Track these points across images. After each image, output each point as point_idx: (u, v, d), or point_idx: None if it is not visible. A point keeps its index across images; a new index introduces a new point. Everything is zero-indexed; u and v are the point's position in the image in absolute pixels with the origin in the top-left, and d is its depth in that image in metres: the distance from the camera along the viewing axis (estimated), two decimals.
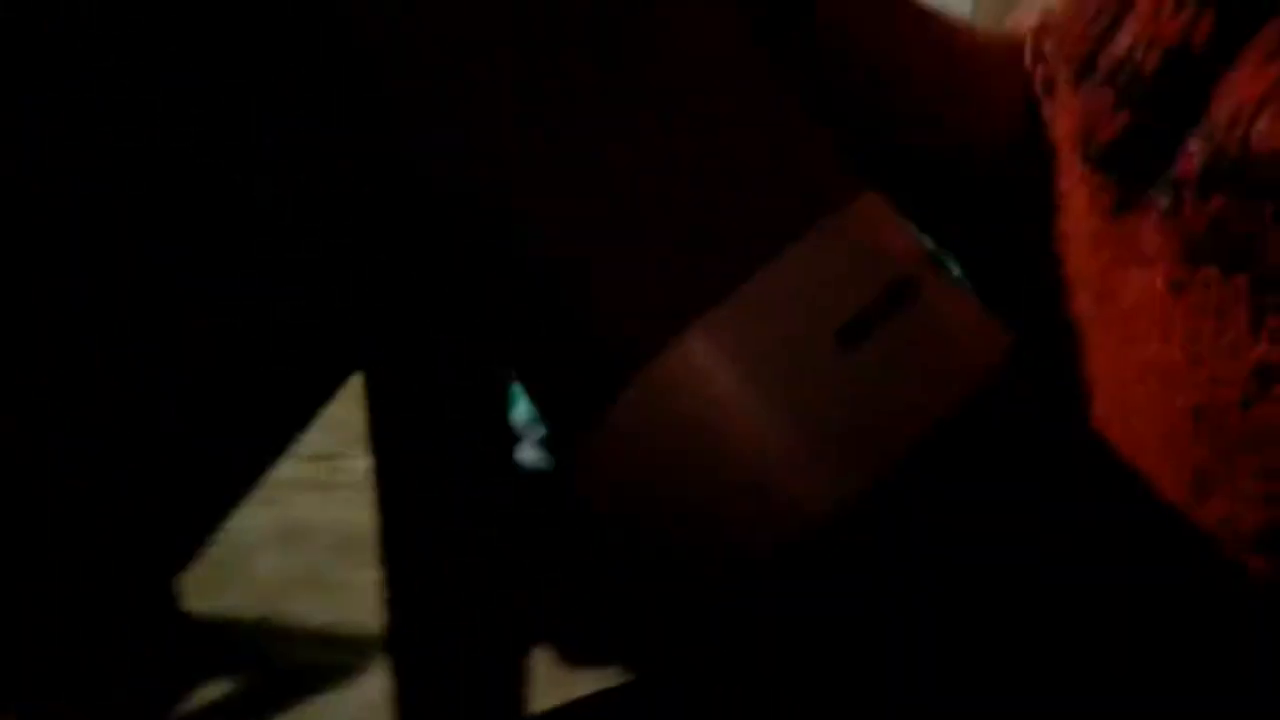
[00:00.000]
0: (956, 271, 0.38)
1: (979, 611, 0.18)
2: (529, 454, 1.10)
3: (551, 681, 1.08)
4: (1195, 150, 0.28)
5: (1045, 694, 0.18)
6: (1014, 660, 0.18)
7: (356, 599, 1.29)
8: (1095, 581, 0.18)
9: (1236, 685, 0.18)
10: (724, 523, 0.19)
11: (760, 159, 0.20)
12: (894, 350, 0.19)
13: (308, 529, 1.49)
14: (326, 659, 1.28)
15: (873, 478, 0.18)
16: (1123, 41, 0.31)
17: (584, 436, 0.20)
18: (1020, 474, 0.19)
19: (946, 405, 0.18)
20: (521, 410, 1.08)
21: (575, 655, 1.12)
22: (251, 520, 1.49)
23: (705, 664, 0.22)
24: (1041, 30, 0.41)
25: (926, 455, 0.18)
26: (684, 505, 0.20)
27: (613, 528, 0.22)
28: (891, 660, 0.19)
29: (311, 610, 1.34)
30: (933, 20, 0.43)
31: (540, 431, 1.08)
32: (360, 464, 0.89)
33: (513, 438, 1.10)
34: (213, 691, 1.24)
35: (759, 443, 0.18)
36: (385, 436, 0.82)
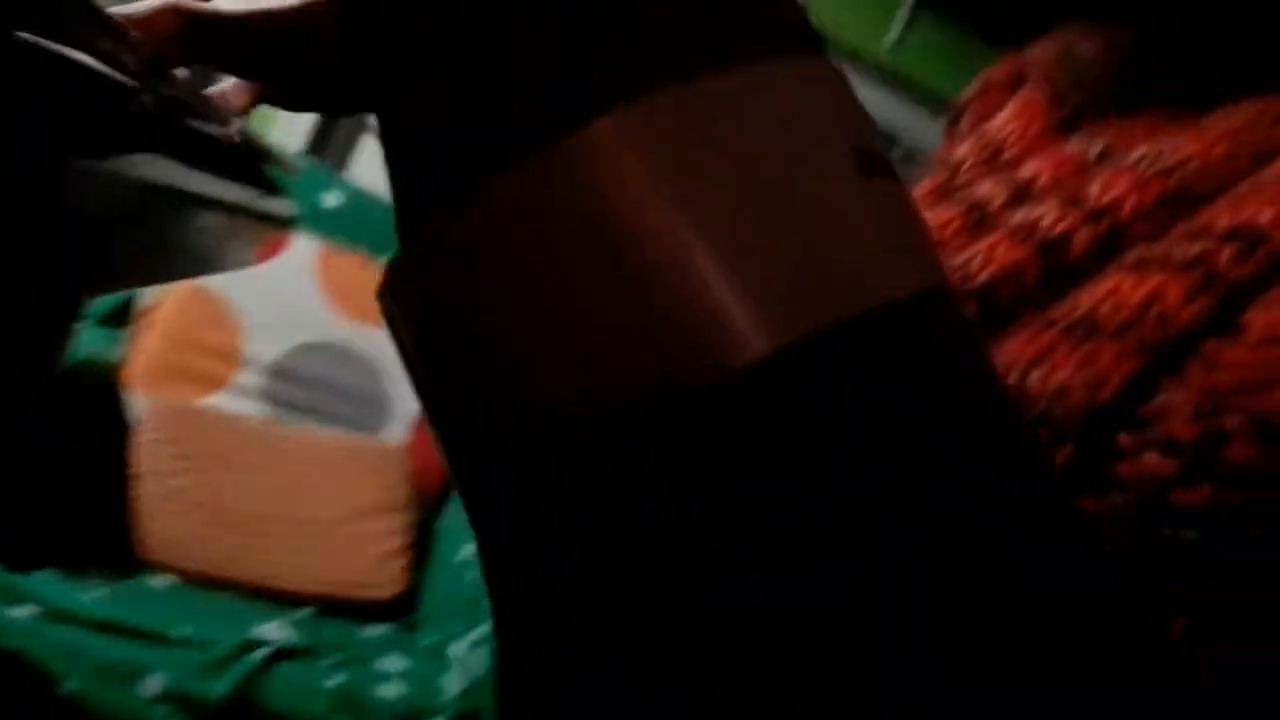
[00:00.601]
0: None
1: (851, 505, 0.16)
2: None
3: None
4: None
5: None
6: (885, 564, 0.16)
7: None
8: (976, 534, 0.16)
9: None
10: (622, 351, 0.15)
11: None
12: (891, 200, 0.16)
13: None
14: None
15: (818, 328, 0.15)
16: None
17: (457, 213, 0.16)
18: (945, 397, 0.17)
19: (910, 284, 0.16)
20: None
21: None
22: None
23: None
24: None
25: (871, 327, 0.16)
26: (573, 324, 0.15)
27: (459, 360, 0.16)
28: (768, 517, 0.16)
29: None
30: None
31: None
32: None
33: None
34: None
35: (687, 259, 0.15)
36: None
